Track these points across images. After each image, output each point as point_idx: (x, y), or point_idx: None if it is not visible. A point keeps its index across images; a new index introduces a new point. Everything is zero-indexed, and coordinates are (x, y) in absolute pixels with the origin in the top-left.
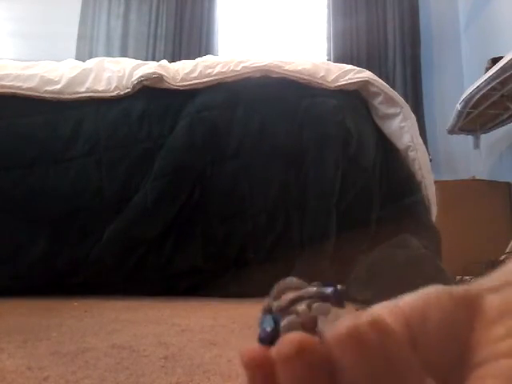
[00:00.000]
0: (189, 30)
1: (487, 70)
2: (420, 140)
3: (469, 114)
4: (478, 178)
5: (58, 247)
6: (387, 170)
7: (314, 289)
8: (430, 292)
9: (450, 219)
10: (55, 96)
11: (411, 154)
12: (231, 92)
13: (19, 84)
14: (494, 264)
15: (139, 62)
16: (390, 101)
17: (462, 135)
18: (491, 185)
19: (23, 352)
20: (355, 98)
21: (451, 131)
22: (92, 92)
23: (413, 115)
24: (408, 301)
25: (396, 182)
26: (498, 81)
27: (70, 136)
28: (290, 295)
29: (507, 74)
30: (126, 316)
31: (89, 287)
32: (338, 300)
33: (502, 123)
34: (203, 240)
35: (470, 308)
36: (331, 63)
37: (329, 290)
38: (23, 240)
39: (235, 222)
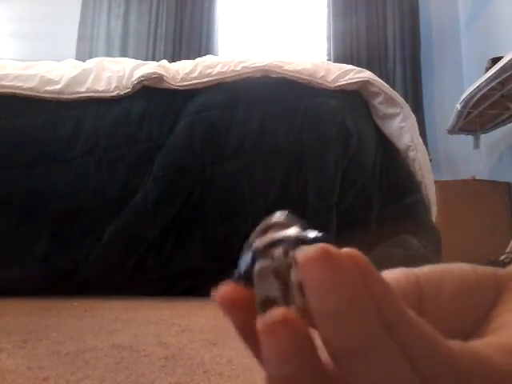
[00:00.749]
0: (189, 30)
1: (487, 69)
2: (420, 140)
3: (469, 113)
4: (477, 178)
5: (58, 247)
6: (387, 170)
7: (296, 232)
8: (452, 265)
9: (450, 219)
10: (55, 96)
11: (411, 154)
12: (231, 92)
13: (19, 84)
14: (494, 264)
15: (139, 61)
16: (389, 101)
17: (462, 135)
18: (491, 185)
19: (23, 352)
20: (355, 98)
21: (451, 131)
22: (92, 92)
23: (413, 115)
24: (426, 269)
25: (396, 182)
26: (497, 81)
27: (70, 136)
28: (270, 235)
29: (507, 74)
30: (126, 316)
31: (89, 287)
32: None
33: (502, 123)
34: (203, 240)
35: (495, 287)
36: (331, 63)
37: (312, 234)
38: (23, 240)
39: (235, 221)
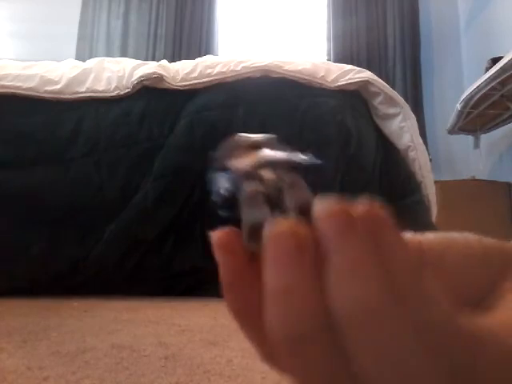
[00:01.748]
0: (189, 30)
1: (487, 69)
2: (420, 140)
3: (469, 113)
4: (477, 178)
5: (58, 247)
6: (387, 170)
7: (285, 155)
8: (457, 234)
9: (450, 219)
10: (55, 96)
11: (411, 154)
12: (231, 92)
13: (19, 84)
14: None
15: (139, 62)
16: (390, 101)
17: (462, 135)
18: (491, 185)
19: (23, 352)
20: (355, 98)
21: (451, 131)
22: (92, 92)
23: (413, 115)
24: (430, 236)
25: (396, 182)
26: (498, 81)
27: (70, 136)
28: (255, 156)
29: (507, 74)
30: (126, 316)
31: (89, 287)
32: (315, 174)
33: (502, 123)
34: (203, 240)
35: (502, 260)
36: (331, 63)
37: (302, 157)
38: (23, 240)
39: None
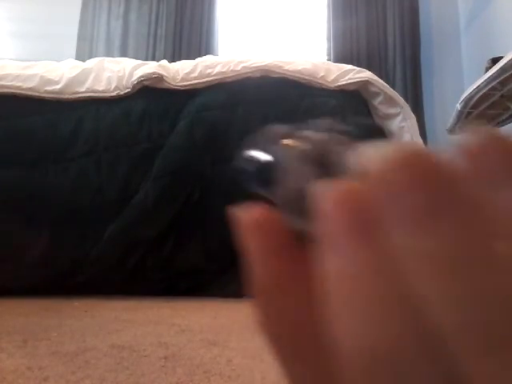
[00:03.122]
0: (189, 30)
1: (487, 69)
2: (420, 140)
3: (469, 114)
4: None
5: (58, 247)
6: None
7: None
8: None
9: None
10: (55, 96)
11: None
12: (231, 92)
13: (19, 84)
14: None
15: (139, 61)
16: (390, 101)
17: None
18: None
19: (23, 352)
20: (355, 97)
21: (451, 131)
22: (92, 92)
23: (413, 115)
24: None
25: None
26: (498, 81)
27: (70, 136)
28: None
29: (507, 74)
30: (126, 316)
31: (89, 287)
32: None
33: (502, 123)
34: (203, 240)
35: None
36: (331, 63)
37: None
38: (23, 240)
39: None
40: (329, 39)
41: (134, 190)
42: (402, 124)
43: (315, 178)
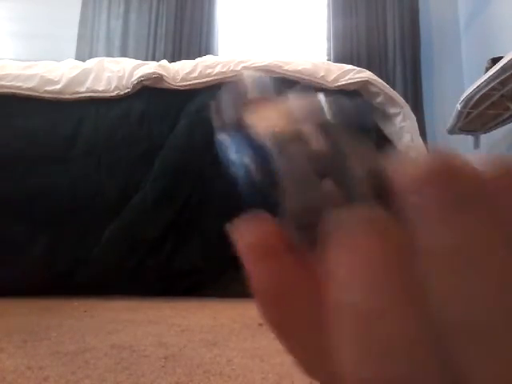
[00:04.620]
0: (189, 30)
1: (487, 69)
2: (420, 140)
3: (469, 114)
4: None
5: (57, 247)
6: None
7: (320, 99)
8: None
9: None
10: (55, 96)
11: (411, 154)
12: None
13: (19, 84)
14: None
15: (139, 62)
16: (390, 101)
17: (462, 135)
18: None
19: (23, 352)
20: (355, 98)
21: (451, 131)
22: (92, 92)
23: (413, 115)
24: None
25: None
26: (498, 81)
27: (70, 136)
28: (279, 108)
29: (507, 74)
30: (126, 316)
31: (89, 287)
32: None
33: (502, 123)
34: (203, 240)
35: None
36: (331, 63)
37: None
38: (23, 240)
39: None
40: (329, 39)
41: (133, 190)
42: (402, 124)
43: (324, 187)
